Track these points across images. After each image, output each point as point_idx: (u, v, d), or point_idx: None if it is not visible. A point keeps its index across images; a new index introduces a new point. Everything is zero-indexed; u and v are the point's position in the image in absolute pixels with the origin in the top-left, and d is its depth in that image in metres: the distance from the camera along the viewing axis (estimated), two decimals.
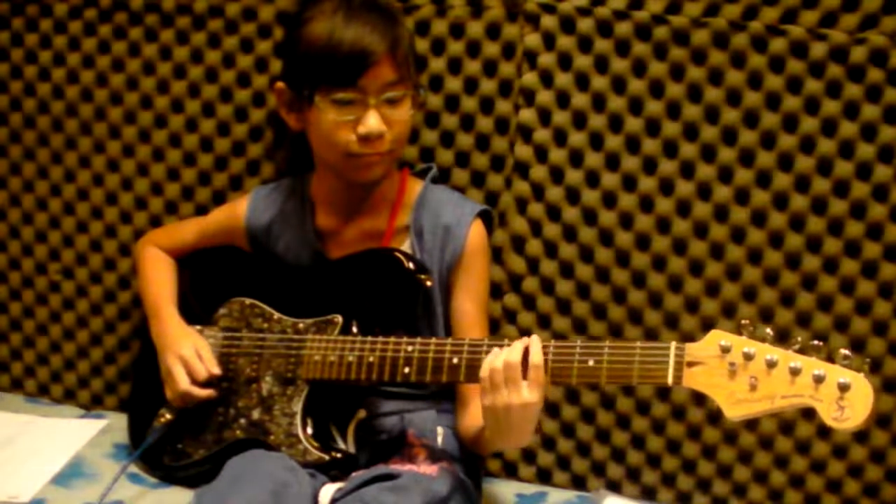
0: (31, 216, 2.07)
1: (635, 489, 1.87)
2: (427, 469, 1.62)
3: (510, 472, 1.91)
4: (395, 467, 1.61)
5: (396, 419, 1.71)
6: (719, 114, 1.72)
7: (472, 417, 1.66)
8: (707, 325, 1.77)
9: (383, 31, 1.62)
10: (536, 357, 1.46)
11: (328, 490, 1.58)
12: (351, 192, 1.73)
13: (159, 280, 1.84)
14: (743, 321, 1.37)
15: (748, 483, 1.81)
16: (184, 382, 1.69)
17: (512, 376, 1.45)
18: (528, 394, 1.45)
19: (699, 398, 1.39)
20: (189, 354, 1.70)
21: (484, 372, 1.48)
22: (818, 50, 1.66)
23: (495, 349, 1.49)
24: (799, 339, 1.34)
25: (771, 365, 1.32)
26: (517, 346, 1.47)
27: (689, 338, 1.76)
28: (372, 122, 1.61)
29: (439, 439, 1.71)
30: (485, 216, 1.76)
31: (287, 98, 1.70)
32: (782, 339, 1.69)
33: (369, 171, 1.67)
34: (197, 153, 1.98)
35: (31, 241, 2.08)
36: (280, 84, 1.70)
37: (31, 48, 2.02)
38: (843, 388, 1.29)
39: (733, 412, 1.35)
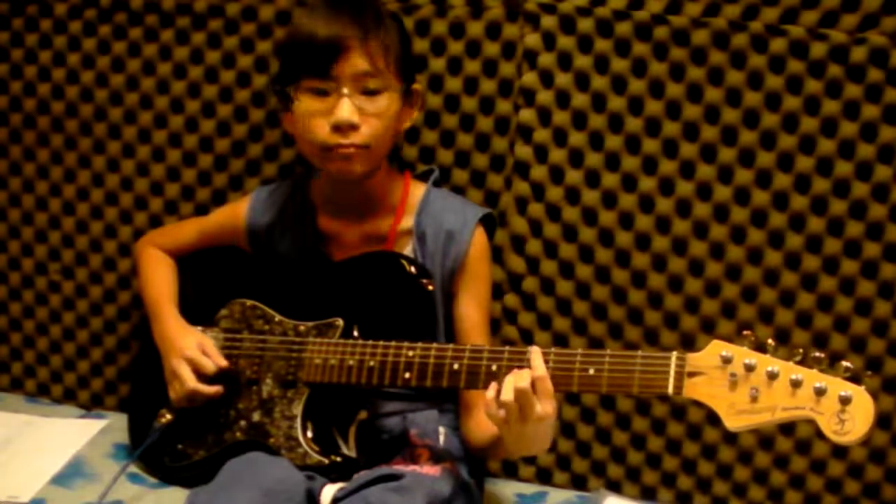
0: (31, 216, 2.07)
1: (635, 489, 1.87)
2: (430, 469, 1.61)
3: (510, 472, 1.91)
4: (397, 468, 1.61)
5: (398, 419, 1.71)
6: (719, 114, 1.72)
7: (479, 423, 1.66)
8: (707, 325, 1.77)
9: (359, 20, 1.61)
10: (540, 370, 1.45)
11: (330, 490, 1.58)
12: (351, 195, 1.72)
13: (159, 281, 1.84)
14: (745, 331, 1.37)
15: (748, 483, 1.81)
16: (191, 381, 1.69)
17: (526, 398, 1.44)
18: (541, 408, 1.44)
19: (700, 402, 1.39)
20: (193, 353, 1.70)
21: (500, 404, 1.46)
22: (818, 50, 1.66)
23: (507, 379, 1.47)
24: (801, 349, 1.34)
25: (772, 376, 1.32)
26: (524, 373, 1.45)
27: (689, 338, 1.77)
28: (344, 110, 1.60)
29: (441, 439, 1.71)
30: (487, 220, 1.75)
31: (279, 99, 1.69)
32: (782, 339, 1.71)
33: (346, 164, 1.64)
34: (197, 153, 1.98)
35: (31, 241, 2.08)
36: (275, 86, 1.70)
37: (31, 48, 2.02)
38: (845, 401, 1.28)
39: (734, 423, 1.35)
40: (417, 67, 1.80)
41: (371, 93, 1.62)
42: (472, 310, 1.71)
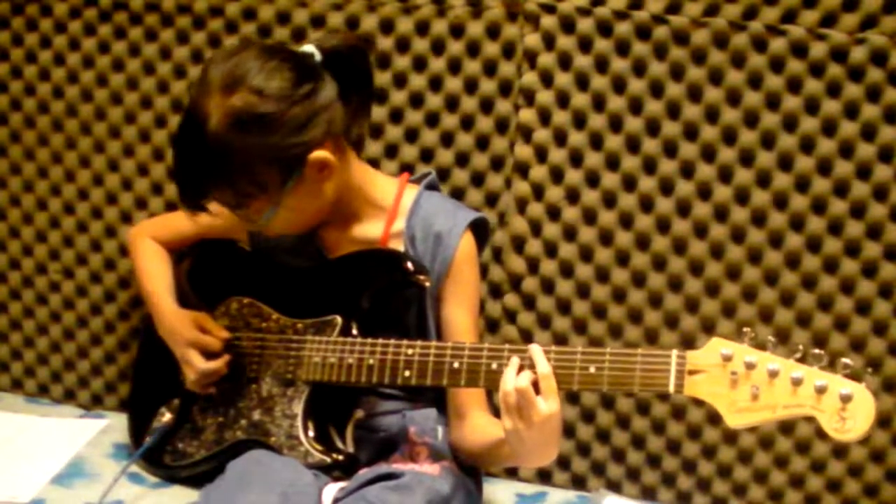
0: (31, 216, 2.07)
1: (635, 489, 1.87)
2: (429, 468, 1.61)
3: (510, 471, 1.91)
4: (397, 466, 1.60)
5: (397, 417, 1.70)
6: (719, 114, 1.72)
7: (472, 431, 1.65)
8: (707, 326, 1.77)
9: (203, 172, 1.58)
10: (544, 367, 1.45)
11: (331, 490, 1.58)
12: (341, 202, 1.70)
13: (155, 274, 1.82)
14: (744, 328, 1.37)
15: (748, 483, 1.81)
16: (200, 363, 1.69)
17: (526, 398, 1.44)
18: (546, 406, 1.44)
19: (699, 399, 1.38)
20: (195, 336, 1.70)
21: (499, 398, 1.47)
22: (818, 50, 1.66)
23: (507, 370, 1.47)
24: (801, 346, 1.34)
25: (773, 374, 1.32)
26: (526, 373, 1.45)
27: (689, 338, 1.77)
28: (247, 225, 1.66)
29: (439, 437, 1.71)
30: (479, 224, 1.73)
31: None
32: (783, 339, 1.71)
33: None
34: None
35: (31, 241, 2.08)
36: None
37: (31, 48, 2.02)
38: (845, 398, 1.28)
39: (735, 421, 1.35)
40: (311, 143, 1.58)
41: (252, 209, 1.61)
42: (458, 314, 1.69)
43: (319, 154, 1.58)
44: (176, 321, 1.75)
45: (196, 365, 1.69)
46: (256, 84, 1.54)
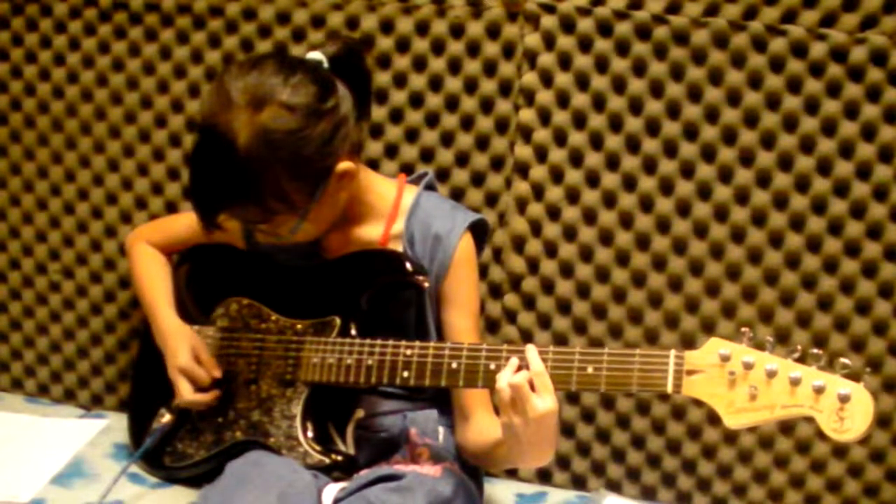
0: (31, 216, 2.07)
1: (635, 489, 1.87)
2: (430, 469, 1.61)
3: (510, 471, 1.91)
4: (398, 467, 1.60)
5: (398, 418, 1.70)
6: (719, 114, 1.72)
7: (476, 432, 1.65)
8: (707, 326, 1.77)
9: (221, 192, 1.56)
10: (536, 365, 1.45)
11: (331, 490, 1.58)
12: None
13: (153, 280, 1.82)
14: (742, 328, 1.37)
15: (748, 483, 1.81)
16: (188, 394, 1.69)
17: (521, 395, 1.44)
18: (541, 403, 1.44)
19: (699, 400, 1.38)
20: (187, 364, 1.70)
21: (496, 395, 1.47)
22: (818, 50, 1.66)
23: (504, 369, 1.48)
24: (799, 346, 1.34)
25: (771, 374, 1.32)
26: (523, 371, 1.46)
27: (689, 338, 1.77)
28: (259, 238, 1.66)
29: (440, 438, 1.71)
30: (478, 226, 1.72)
31: None
32: (782, 339, 1.71)
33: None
34: None
35: (31, 241, 2.08)
36: None
37: (31, 48, 2.02)
38: (844, 399, 1.28)
39: (733, 421, 1.34)
40: (328, 161, 1.58)
41: (276, 224, 1.60)
42: (458, 316, 1.69)
43: (344, 164, 1.58)
44: (172, 341, 1.74)
45: (184, 395, 1.69)
46: (285, 99, 1.52)
